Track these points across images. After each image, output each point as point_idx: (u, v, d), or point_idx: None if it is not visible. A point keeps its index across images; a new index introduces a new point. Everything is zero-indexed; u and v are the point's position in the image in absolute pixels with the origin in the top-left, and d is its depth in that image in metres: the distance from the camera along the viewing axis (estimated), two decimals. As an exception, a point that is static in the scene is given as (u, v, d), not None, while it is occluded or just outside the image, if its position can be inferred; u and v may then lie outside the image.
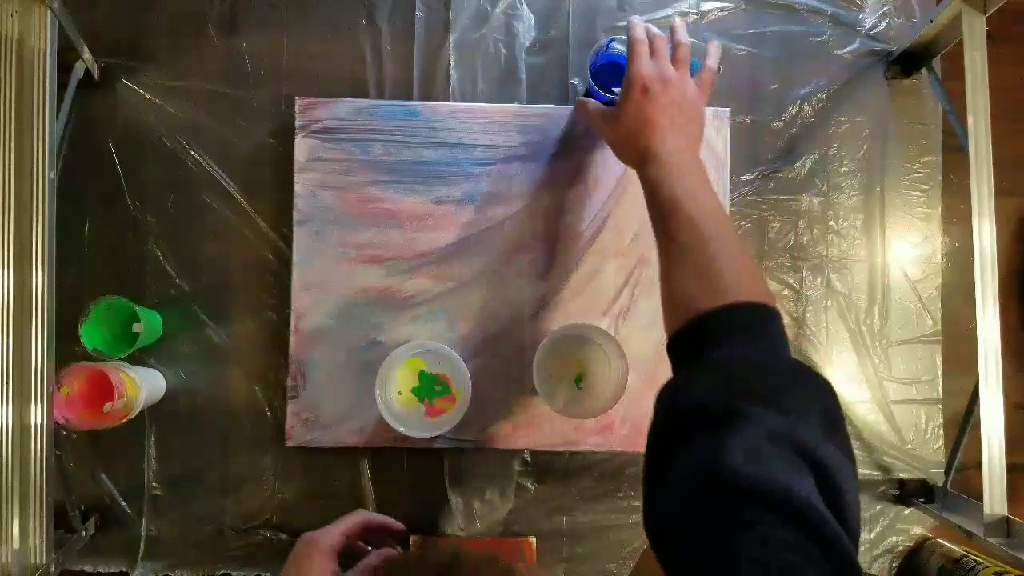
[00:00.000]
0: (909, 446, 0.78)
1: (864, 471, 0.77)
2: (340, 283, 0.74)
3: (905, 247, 0.79)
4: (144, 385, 0.68)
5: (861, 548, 0.77)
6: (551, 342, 0.70)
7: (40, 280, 0.59)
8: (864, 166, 0.79)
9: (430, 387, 0.72)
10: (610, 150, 0.74)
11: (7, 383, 0.58)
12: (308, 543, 0.56)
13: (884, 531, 0.77)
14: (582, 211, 0.75)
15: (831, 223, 0.79)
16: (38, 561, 0.58)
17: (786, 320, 0.77)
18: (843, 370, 0.78)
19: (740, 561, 0.31)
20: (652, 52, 0.60)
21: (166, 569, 0.74)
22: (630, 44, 0.60)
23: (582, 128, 0.75)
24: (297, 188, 0.74)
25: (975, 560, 0.71)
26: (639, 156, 0.58)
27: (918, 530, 0.77)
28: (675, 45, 0.62)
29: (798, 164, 0.79)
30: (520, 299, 0.75)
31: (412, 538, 0.74)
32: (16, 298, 0.59)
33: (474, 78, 0.78)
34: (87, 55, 0.71)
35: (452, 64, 0.78)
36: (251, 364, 0.75)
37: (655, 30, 0.62)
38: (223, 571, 0.75)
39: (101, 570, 0.74)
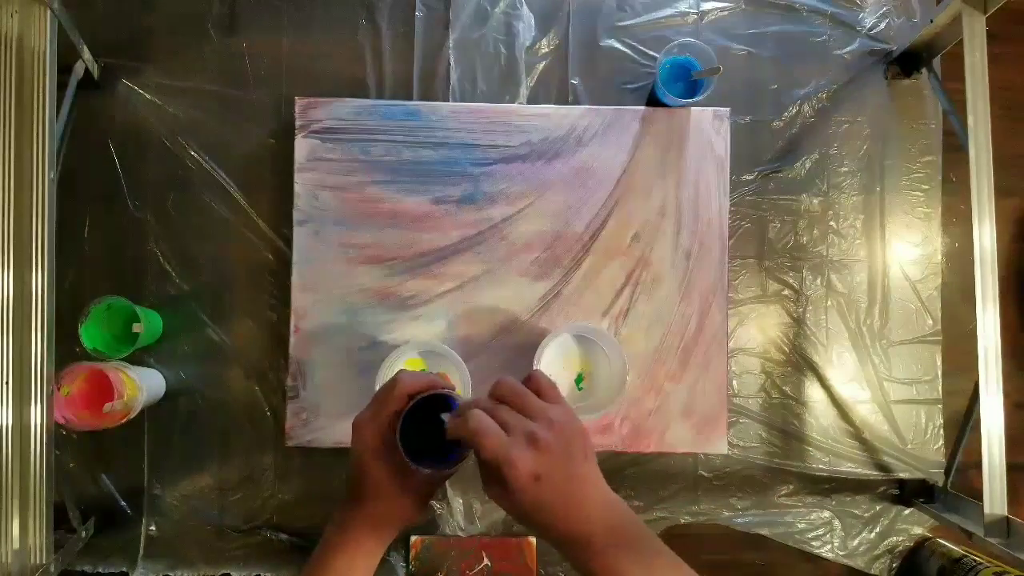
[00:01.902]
0: (909, 446, 0.78)
1: (864, 471, 0.77)
2: (340, 283, 0.74)
3: (905, 247, 0.79)
4: (144, 385, 0.68)
5: (861, 548, 0.77)
6: (551, 342, 0.70)
7: (40, 280, 0.59)
8: (864, 166, 0.79)
9: (430, 387, 0.72)
10: (611, 152, 0.75)
11: (7, 383, 0.58)
12: (358, 440, 0.48)
13: (884, 531, 0.77)
14: (582, 211, 0.75)
15: (831, 223, 0.79)
16: (38, 561, 0.58)
17: (786, 320, 0.77)
18: (843, 370, 0.78)
19: None
20: (502, 424, 0.44)
21: (166, 569, 0.74)
22: (472, 438, 0.43)
23: (582, 128, 0.75)
24: (297, 188, 0.74)
25: (975, 560, 0.71)
26: (570, 543, 0.45)
27: (918, 530, 0.77)
28: (500, 390, 0.47)
29: (798, 164, 0.79)
30: (520, 299, 0.75)
31: (412, 538, 0.74)
32: (16, 298, 0.59)
33: (474, 78, 0.78)
34: (87, 55, 0.71)
35: (452, 64, 0.78)
36: (251, 364, 0.75)
37: (482, 404, 0.46)
38: (223, 571, 0.75)
39: (101, 570, 0.74)
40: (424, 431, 0.48)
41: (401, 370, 0.50)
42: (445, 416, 0.47)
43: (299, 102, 0.74)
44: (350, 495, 0.49)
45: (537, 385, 0.47)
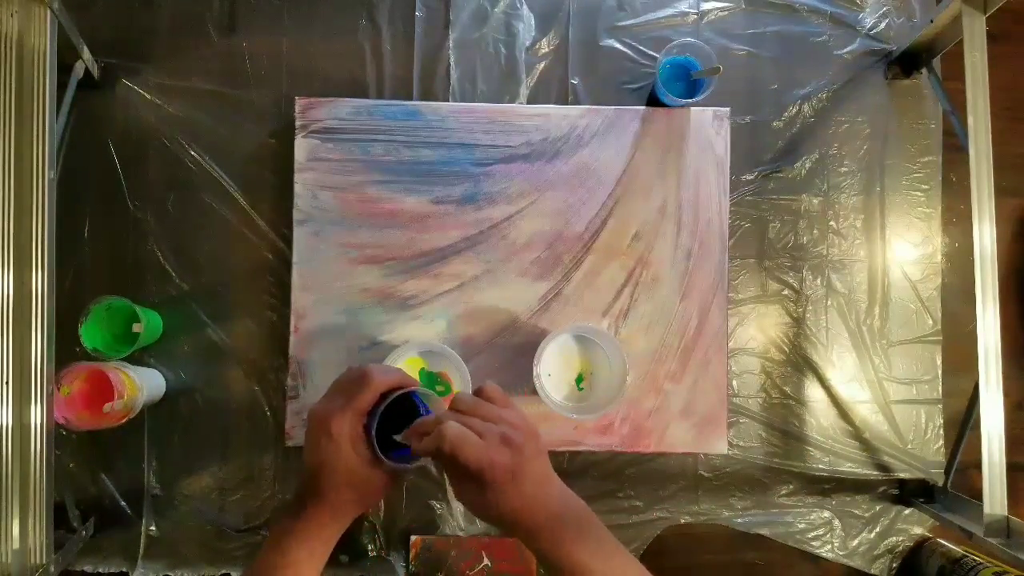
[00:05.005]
0: (909, 446, 0.78)
1: (864, 471, 0.77)
2: (340, 283, 0.74)
3: (905, 247, 0.79)
4: (144, 385, 0.68)
5: (861, 548, 0.77)
6: (551, 342, 0.70)
7: (40, 280, 0.59)
8: (864, 166, 0.79)
9: (431, 386, 0.72)
10: (611, 152, 0.75)
11: (7, 383, 0.58)
12: (331, 435, 0.48)
13: (884, 531, 0.77)
14: (582, 211, 0.75)
15: (831, 223, 0.79)
16: (38, 561, 0.58)
17: (786, 320, 0.77)
18: (843, 370, 0.78)
19: None
20: (475, 429, 0.47)
21: (166, 569, 0.74)
22: (452, 450, 0.45)
23: (582, 128, 0.75)
24: (297, 188, 0.74)
25: (975, 560, 0.71)
26: (536, 534, 0.48)
27: (918, 530, 0.77)
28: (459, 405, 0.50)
29: (798, 164, 0.79)
30: (520, 299, 0.75)
31: (412, 538, 0.74)
32: (16, 298, 0.59)
33: (474, 78, 0.78)
34: (87, 55, 0.71)
35: (452, 64, 0.78)
36: (251, 364, 0.75)
37: (449, 417, 0.48)
38: (223, 571, 0.74)
39: (101, 570, 0.74)
40: (387, 422, 0.50)
41: (370, 364, 0.51)
42: (399, 437, 0.50)
43: (299, 102, 0.74)
44: (312, 485, 0.49)
45: (490, 395, 0.51)
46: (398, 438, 0.50)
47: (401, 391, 0.50)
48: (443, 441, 0.46)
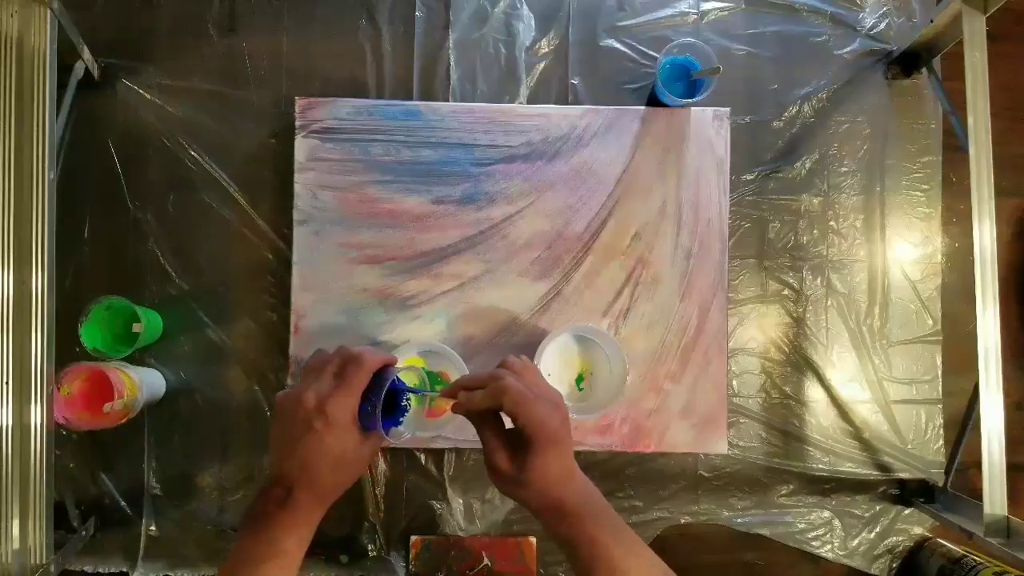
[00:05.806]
0: (909, 446, 0.78)
1: (864, 471, 0.77)
2: (340, 283, 0.74)
3: (905, 247, 0.79)
4: (144, 385, 0.68)
5: (861, 548, 0.77)
6: (551, 342, 0.70)
7: (40, 280, 0.59)
8: (864, 166, 0.79)
9: (434, 382, 0.72)
10: (611, 152, 0.75)
11: (7, 383, 0.58)
12: (327, 418, 0.47)
13: (884, 531, 0.77)
14: (582, 211, 0.75)
15: (831, 223, 0.79)
16: (38, 561, 0.58)
17: (786, 320, 0.77)
18: (843, 370, 0.78)
19: None
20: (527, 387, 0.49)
21: (166, 569, 0.74)
22: (513, 406, 0.47)
23: (582, 128, 0.75)
24: (297, 188, 0.74)
25: (975, 560, 0.71)
26: (556, 510, 0.49)
27: (918, 530, 0.77)
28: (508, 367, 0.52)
29: (798, 164, 0.79)
30: (520, 299, 0.75)
31: (412, 538, 0.74)
32: (16, 298, 0.59)
33: (474, 78, 0.78)
34: (87, 55, 0.71)
35: (452, 64, 0.78)
36: (251, 364, 0.75)
37: (502, 374, 0.50)
38: (223, 571, 0.75)
39: (101, 570, 0.74)
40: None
41: (360, 348, 0.51)
42: (440, 392, 0.51)
43: (299, 102, 0.74)
44: (301, 471, 0.49)
45: (527, 366, 0.53)
46: (438, 392, 0.52)
47: (400, 369, 0.51)
48: (505, 395, 0.47)
